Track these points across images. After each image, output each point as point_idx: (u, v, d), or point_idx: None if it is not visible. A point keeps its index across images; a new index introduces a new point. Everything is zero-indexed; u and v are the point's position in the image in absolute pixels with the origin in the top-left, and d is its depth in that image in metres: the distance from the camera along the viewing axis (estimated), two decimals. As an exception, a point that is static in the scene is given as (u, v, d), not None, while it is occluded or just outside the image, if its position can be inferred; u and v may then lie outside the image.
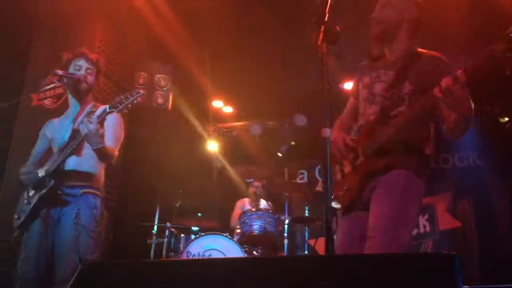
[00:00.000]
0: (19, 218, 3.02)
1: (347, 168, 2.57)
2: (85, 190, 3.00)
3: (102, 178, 3.18)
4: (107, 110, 2.80)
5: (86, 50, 3.31)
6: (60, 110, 4.98)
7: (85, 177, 3.04)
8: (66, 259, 2.83)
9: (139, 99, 2.85)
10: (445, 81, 2.08)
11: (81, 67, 3.18)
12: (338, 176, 2.62)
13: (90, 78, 3.20)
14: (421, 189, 2.48)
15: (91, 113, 3.09)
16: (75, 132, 2.99)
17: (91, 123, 2.77)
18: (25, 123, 5.16)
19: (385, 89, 2.50)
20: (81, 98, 3.22)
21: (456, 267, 1.13)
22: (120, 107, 2.77)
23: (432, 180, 7.04)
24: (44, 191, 2.92)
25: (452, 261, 1.13)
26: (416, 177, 2.44)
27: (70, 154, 2.92)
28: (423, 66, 2.47)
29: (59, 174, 2.93)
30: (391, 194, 2.35)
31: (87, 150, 2.94)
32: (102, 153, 2.92)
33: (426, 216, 6.85)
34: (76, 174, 3.01)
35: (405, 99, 2.44)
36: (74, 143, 2.88)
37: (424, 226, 6.82)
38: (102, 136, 2.83)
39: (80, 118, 3.12)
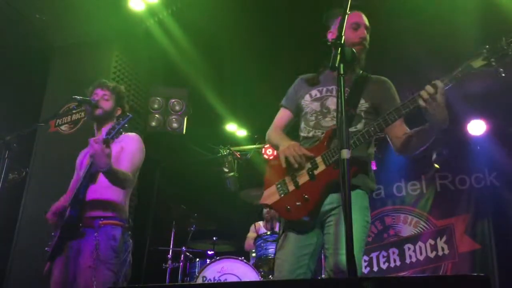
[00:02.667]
0: (48, 250, 3.01)
1: (303, 179, 2.50)
2: (104, 221, 2.93)
3: (125, 206, 3.10)
4: (104, 137, 2.71)
5: (103, 80, 3.37)
6: (76, 135, 5.09)
7: (106, 205, 2.99)
8: None
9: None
10: (428, 89, 2.21)
11: (97, 95, 3.23)
12: (291, 187, 2.52)
13: (106, 104, 3.21)
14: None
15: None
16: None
17: (96, 143, 2.68)
18: (42, 149, 5.23)
19: None
20: (99, 124, 3.25)
21: (489, 288, 1.11)
22: (113, 133, 2.71)
23: (449, 201, 6.98)
24: (63, 222, 2.92)
25: (486, 283, 1.11)
26: (369, 199, 2.57)
27: (87, 183, 2.87)
28: (373, 87, 2.66)
29: (80, 204, 2.90)
30: (360, 215, 2.42)
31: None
32: (112, 175, 2.81)
33: (444, 239, 6.74)
34: (97, 204, 2.96)
35: (362, 115, 2.58)
36: (89, 171, 2.85)
37: (442, 249, 6.70)
38: (109, 156, 2.70)
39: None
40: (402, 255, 6.81)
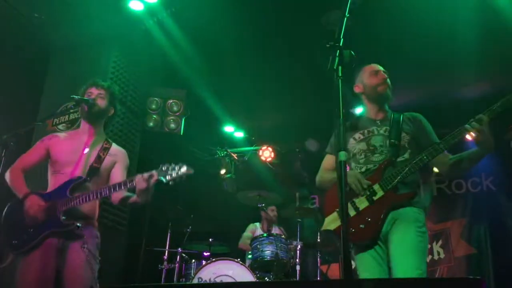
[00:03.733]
0: (18, 243, 2.99)
1: (363, 204, 2.79)
2: (87, 221, 3.10)
3: (97, 211, 3.27)
4: (155, 177, 2.92)
5: (97, 79, 3.39)
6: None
7: (90, 209, 3.15)
8: (77, 284, 2.88)
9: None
10: (473, 125, 2.60)
11: (92, 93, 3.26)
12: (352, 212, 2.79)
13: (101, 102, 3.25)
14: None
15: (105, 149, 3.20)
16: (94, 170, 3.09)
17: (145, 180, 2.90)
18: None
19: (386, 140, 2.94)
20: (92, 121, 3.27)
21: (484, 290, 1.12)
22: (168, 178, 2.91)
23: (445, 206, 6.98)
24: (62, 229, 2.95)
25: (480, 285, 1.12)
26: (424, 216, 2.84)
27: (95, 197, 2.97)
28: (409, 122, 3.02)
29: (71, 211, 3.01)
30: (413, 227, 2.71)
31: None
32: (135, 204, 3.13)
33: (440, 243, 6.75)
34: (83, 207, 3.08)
35: (406, 147, 2.90)
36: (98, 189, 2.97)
37: (438, 253, 6.71)
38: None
39: (86, 150, 3.18)
40: (398, 259, 6.81)
